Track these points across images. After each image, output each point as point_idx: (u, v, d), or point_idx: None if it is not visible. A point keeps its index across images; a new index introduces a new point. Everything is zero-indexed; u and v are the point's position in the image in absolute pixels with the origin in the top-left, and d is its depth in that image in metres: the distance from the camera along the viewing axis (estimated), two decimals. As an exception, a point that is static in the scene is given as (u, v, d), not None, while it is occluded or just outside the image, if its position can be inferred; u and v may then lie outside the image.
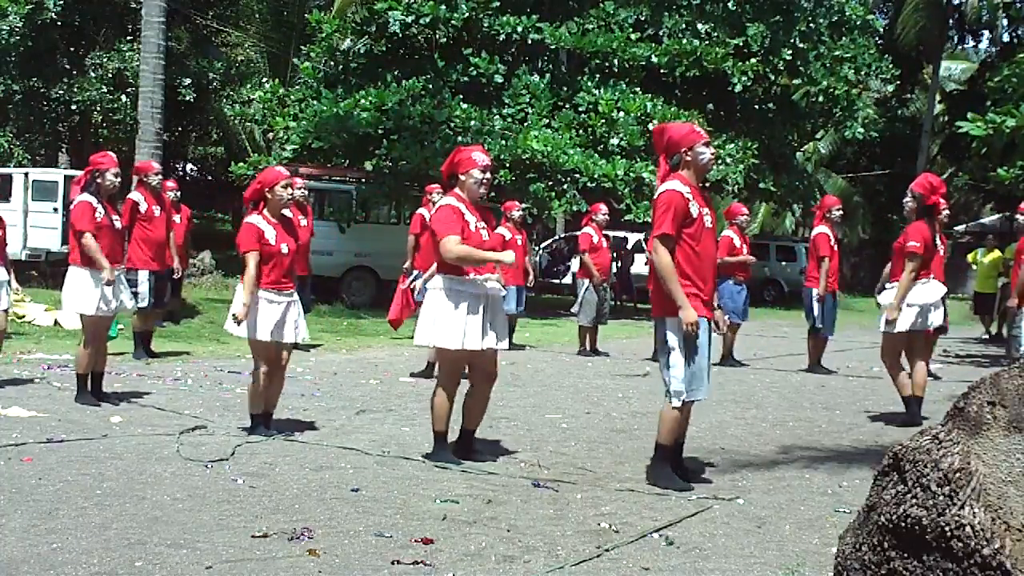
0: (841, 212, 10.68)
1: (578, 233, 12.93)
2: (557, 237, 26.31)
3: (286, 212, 6.33)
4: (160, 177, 10.03)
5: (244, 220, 6.21)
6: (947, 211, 9.52)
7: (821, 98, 19.81)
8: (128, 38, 22.10)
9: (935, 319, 7.50)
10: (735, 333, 11.24)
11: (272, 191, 6.12)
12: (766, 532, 4.45)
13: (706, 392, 5.22)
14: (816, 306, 10.39)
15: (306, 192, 10.47)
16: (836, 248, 10.51)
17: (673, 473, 5.25)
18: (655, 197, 5.18)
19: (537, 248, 23.83)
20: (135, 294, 9.41)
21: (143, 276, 9.55)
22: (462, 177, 5.54)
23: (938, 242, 7.62)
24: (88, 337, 7.05)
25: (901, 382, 7.56)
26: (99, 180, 7.03)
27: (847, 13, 20.42)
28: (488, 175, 5.57)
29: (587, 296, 11.70)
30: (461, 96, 17.28)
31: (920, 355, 7.58)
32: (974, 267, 17.90)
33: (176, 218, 11.04)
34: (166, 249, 10.02)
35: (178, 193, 11.45)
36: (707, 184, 5.51)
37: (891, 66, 21.02)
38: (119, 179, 7.10)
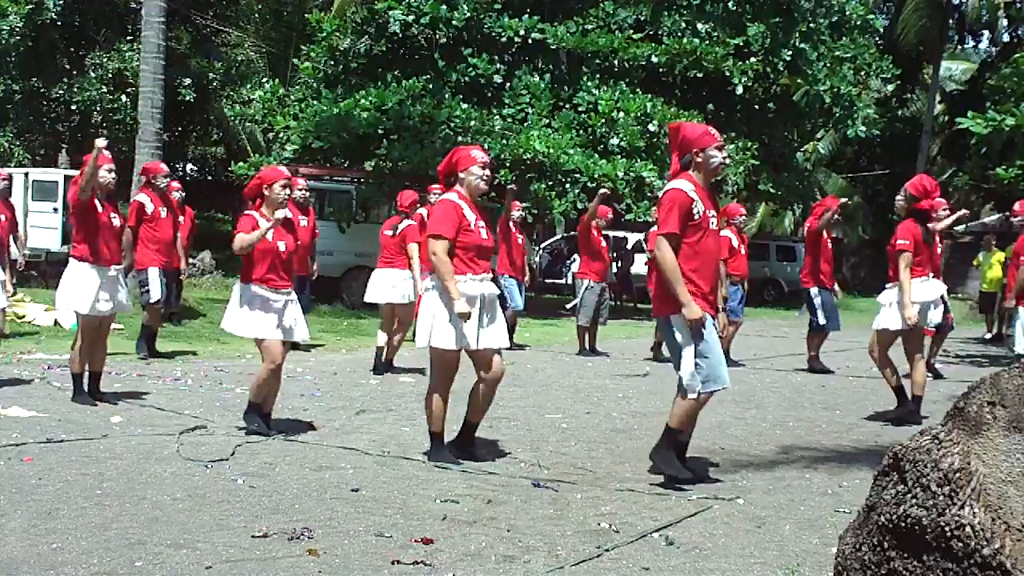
0: (840, 213, 10.71)
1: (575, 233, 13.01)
2: (557, 237, 26.32)
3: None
4: (168, 179, 10.07)
5: (241, 214, 6.23)
6: (947, 211, 9.56)
7: (828, 97, 19.81)
8: (128, 38, 22.10)
9: (934, 317, 7.53)
10: (735, 332, 11.25)
11: (271, 188, 6.16)
12: (766, 532, 4.45)
13: (724, 382, 5.17)
14: (818, 304, 10.45)
15: (307, 193, 10.48)
16: (831, 249, 10.57)
17: (677, 460, 5.27)
18: (660, 196, 5.20)
19: (537, 248, 23.82)
20: (146, 292, 9.53)
21: (153, 273, 9.64)
22: (462, 175, 5.54)
23: (936, 241, 7.63)
24: (80, 335, 7.05)
25: (888, 374, 7.62)
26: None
27: (847, 13, 20.44)
28: (488, 172, 5.58)
29: (586, 296, 11.72)
30: (461, 96, 17.27)
31: (918, 353, 7.60)
32: (977, 267, 17.93)
33: (179, 219, 11.05)
34: (173, 249, 10.06)
35: (183, 194, 11.47)
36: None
37: (891, 66, 21.03)
38: (113, 174, 7.06)
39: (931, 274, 7.53)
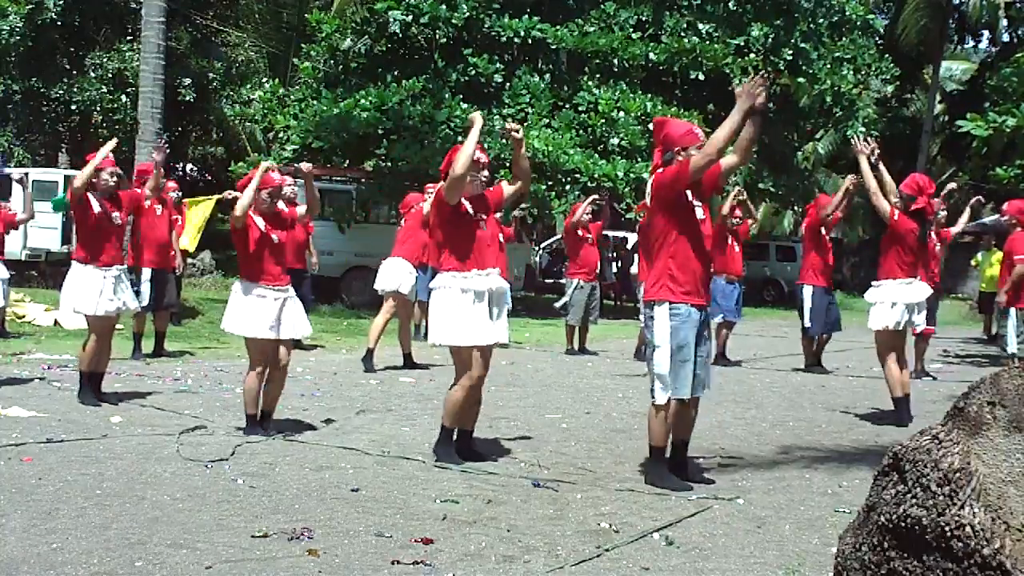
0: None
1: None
2: (557, 237, 26.30)
3: (280, 206, 6.40)
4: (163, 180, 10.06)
5: None
6: (944, 211, 9.58)
7: (829, 96, 19.79)
8: (128, 38, 22.12)
9: (918, 320, 7.51)
10: (729, 332, 11.25)
11: (258, 194, 6.18)
12: (766, 532, 4.44)
13: (689, 391, 5.09)
14: (807, 304, 10.33)
15: (296, 190, 10.48)
16: (829, 246, 10.52)
17: (670, 473, 5.24)
18: (654, 180, 5.13)
19: (537, 248, 23.82)
20: (137, 292, 9.49)
21: (146, 274, 9.61)
22: None
23: (932, 240, 7.65)
24: (94, 334, 7.03)
25: (894, 382, 7.55)
26: (95, 180, 7.01)
27: (847, 13, 20.44)
28: (483, 172, 5.57)
29: (575, 295, 11.79)
30: (461, 96, 17.27)
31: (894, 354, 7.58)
32: (976, 267, 17.93)
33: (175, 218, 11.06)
34: (169, 248, 10.07)
35: (179, 194, 11.47)
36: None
37: (891, 66, 21.03)
38: (115, 177, 7.08)
39: (918, 276, 7.54)
